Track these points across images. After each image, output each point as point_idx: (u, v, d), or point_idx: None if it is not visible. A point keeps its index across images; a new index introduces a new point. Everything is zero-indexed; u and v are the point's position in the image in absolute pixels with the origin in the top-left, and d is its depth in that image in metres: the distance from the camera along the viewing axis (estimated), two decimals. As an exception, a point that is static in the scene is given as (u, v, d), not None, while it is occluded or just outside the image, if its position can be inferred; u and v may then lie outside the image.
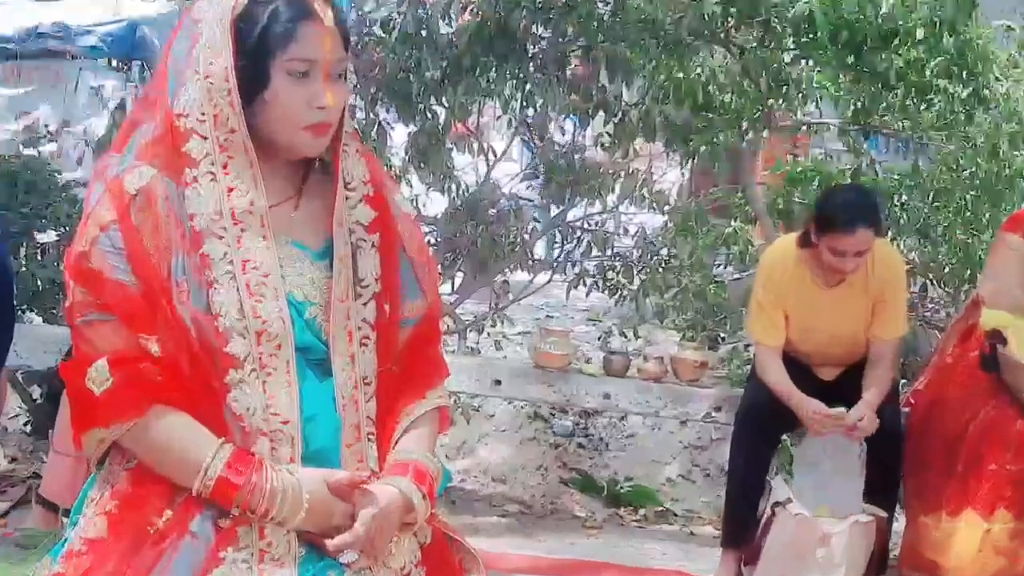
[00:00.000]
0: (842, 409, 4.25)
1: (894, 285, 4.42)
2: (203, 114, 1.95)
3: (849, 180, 5.94)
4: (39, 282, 5.44)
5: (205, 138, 1.95)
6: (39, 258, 5.61)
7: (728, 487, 4.61)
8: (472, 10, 5.40)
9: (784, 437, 4.79)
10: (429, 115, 5.54)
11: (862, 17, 5.03)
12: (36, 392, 5.64)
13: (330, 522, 1.97)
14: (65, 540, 2.04)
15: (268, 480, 1.92)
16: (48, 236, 5.59)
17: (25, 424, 5.79)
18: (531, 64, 5.50)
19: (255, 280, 1.96)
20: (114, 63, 10.40)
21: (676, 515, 5.54)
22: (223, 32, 1.95)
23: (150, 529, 1.93)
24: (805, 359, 4.49)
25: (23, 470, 5.28)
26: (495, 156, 6.06)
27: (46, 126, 9.94)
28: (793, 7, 4.97)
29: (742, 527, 4.47)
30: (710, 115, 5.75)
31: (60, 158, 9.34)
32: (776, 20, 5.13)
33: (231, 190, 1.96)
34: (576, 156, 5.70)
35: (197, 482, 1.92)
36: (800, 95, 5.68)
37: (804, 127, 6.17)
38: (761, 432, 4.48)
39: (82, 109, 10.12)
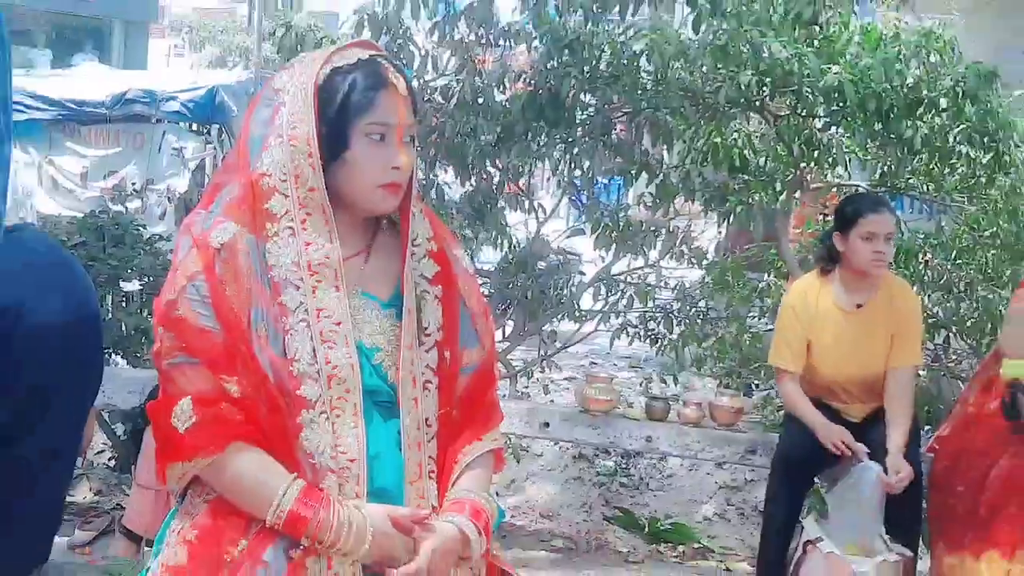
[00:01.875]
0: (863, 447, 4.21)
1: (909, 316, 4.39)
2: (285, 174, 1.97)
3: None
4: (124, 328, 5.50)
5: (286, 196, 1.97)
6: (124, 306, 5.67)
7: (763, 526, 4.57)
8: (525, 80, 5.44)
9: (816, 480, 4.73)
10: (484, 176, 5.58)
11: (889, 87, 5.03)
12: (120, 430, 5.67)
13: (393, 555, 1.97)
14: (147, 568, 2.05)
15: (336, 515, 1.93)
16: (132, 285, 5.64)
17: (109, 459, 5.82)
18: (579, 129, 5.53)
19: (327, 327, 1.97)
20: (195, 127, 10.54)
21: (713, 552, 5.47)
22: (307, 100, 1.98)
23: (226, 558, 1.94)
24: (831, 399, 4.44)
25: (107, 502, 5.30)
26: (545, 214, 6.09)
27: (132, 184, 10.12)
28: (824, 78, 4.97)
29: (776, 564, 4.41)
30: (746, 177, 5.74)
31: (144, 214, 9.49)
32: (808, 90, 5.12)
33: (308, 244, 1.98)
34: (620, 214, 5.71)
35: (270, 515, 1.92)
36: (831, 159, 5.65)
37: (834, 188, 6.14)
38: (795, 475, 4.44)
39: (165, 169, 10.23)
